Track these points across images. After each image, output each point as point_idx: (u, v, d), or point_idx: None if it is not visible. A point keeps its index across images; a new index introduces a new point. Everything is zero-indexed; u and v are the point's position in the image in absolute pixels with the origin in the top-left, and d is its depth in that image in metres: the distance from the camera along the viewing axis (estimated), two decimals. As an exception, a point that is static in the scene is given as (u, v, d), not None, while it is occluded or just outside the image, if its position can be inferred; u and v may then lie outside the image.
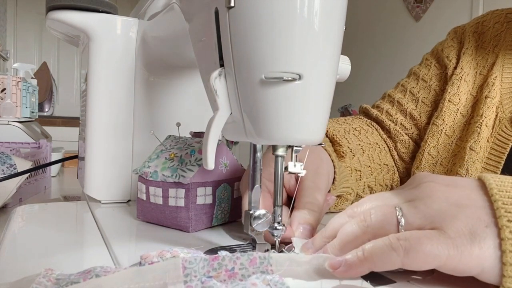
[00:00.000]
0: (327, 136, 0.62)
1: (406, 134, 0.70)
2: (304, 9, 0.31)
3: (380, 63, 3.20)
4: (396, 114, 0.71)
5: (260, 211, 0.38)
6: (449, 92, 0.65)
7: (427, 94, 0.70)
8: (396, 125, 0.71)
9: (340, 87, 0.72)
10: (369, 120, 0.74)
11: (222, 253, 0.30)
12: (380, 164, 0.68)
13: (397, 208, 0.34)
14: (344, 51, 0.39)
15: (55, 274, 0.28)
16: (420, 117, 0.69)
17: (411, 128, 0.70)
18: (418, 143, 0.70)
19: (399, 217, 0.33)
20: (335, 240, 0.35)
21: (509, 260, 0.29)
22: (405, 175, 0.72)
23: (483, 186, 0.34)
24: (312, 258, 0.32)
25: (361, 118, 0.75)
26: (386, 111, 0.72)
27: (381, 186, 0.68)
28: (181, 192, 0.46)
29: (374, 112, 0.73)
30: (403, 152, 0.71)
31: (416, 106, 0.70)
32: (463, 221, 0.31)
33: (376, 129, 0.72)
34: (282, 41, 0.32)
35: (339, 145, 0.61)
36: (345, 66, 0.61)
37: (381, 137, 0.72)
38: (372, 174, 0.66)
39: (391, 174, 0.70)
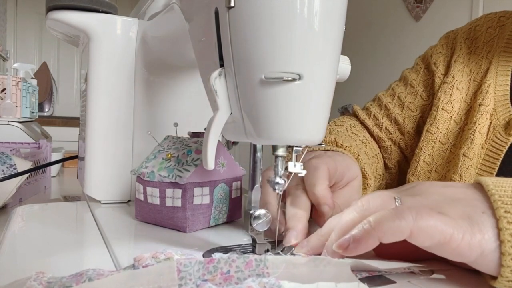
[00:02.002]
0: (333, 142, 0.62)
1: (389, 139, 0.73)
2: (304, 9, 0.31)
3: (380, 63, 3.20)
4: (382, 118, 0.73)
5: (260, 211, 0.38)
6: (442, 101, 0.66)
7: (413, 100, 0.72)
8: (381, 130, 0.73)
9: (340, 87, 0.72)
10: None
11: (217, 255, 0.30)
12: (373, 156, 0.69)
13: (395, 197, 0.34)
14: (344, 51, 0.39)
15: (47, 277, 0.27)
16: (404, 122, 0.71)
17: (395, 132, 0.72)
18: (401, 147, 0.73)
19: (397, 204, 0.34)
20: (333, 233, 0.35)
21: (507, 250, 0.30)
22: (390, 182, 0.74)
23: (478, 186, 0.34)
24: (309, 260, 0.31)
25: (353, 119, 0.77)
26: (374, 115, 0.74)
27: (380, 175, 0.70)
28: (178, 192, 0.46)
29: (362, 116, 0.75)
30: (385, 158, 0.73)
31: (401, 111, 0.72)
32: (459, 208, 0.32)
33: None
34: (282, 41, 0.32)
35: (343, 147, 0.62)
36: (345, 66, 0.61)
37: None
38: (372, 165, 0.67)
39: (381, 163, 0.72)
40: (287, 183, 0.37)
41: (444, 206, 0.32)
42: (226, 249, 0.40)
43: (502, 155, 0.58)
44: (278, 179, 0.37)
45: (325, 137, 0.61)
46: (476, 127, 0.60)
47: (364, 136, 0.70)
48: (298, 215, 0.43)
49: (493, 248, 0.30)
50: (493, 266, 0.30)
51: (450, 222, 0.31)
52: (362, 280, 0.32)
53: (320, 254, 0.35)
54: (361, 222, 0.32)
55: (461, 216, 0.31)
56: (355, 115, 0.77)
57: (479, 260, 0.31)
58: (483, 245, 0.30)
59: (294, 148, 0.36)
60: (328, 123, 0.71)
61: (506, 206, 0.31)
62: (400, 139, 0.72)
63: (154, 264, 0.30)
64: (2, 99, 1.16)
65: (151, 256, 0.32)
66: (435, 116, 0.65)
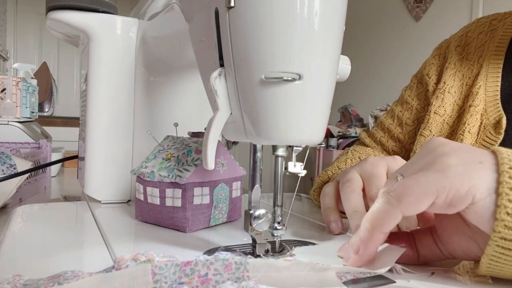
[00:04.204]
0: None
1: None
2: (304, 9, 0.31)
3: (380, 63, 3.20)
4: (387, 142, 0.75)
5: (260, 211, 0.38)
6: (434, 105, 0.67)
7: (410, 115, 0.73)
8: (389, 154, 0.74)
9: (340, 87, 0.72)
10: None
11: (201, 257, 0.29)
12: None
13: (398, 176, 0.34)
14: (344, 51, 0.39)
15: (23, 280, 0.27)
16: (405, 138, 0.74)
17: (401, 151, 0.74)
18: None
19: (399, 180, 0.34)
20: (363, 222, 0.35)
21: (504, 203, 0.29)
22: None
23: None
24: (292, 265, 0.31)
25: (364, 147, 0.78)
26: (380, 141, 0.77)
27: None
28: (178, 192, 0.46)
29: (370, 144, 0.77)
30: None
31: (402, 129, 0.74)
32: (453, 157, 0.32)
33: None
34: (282, 41, 0.32)
35: None
36: (345, 66, 0.61)
37: None
38: None
39: None
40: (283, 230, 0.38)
41: (436, 157, 0.32)
42: (226, 249, 0.40)
43: None
44: (277, 225, 0.38)
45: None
46: (466, 127, 0.61)
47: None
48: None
49: (486, 193, 0.30)
50: (484, 217, 0.30)
51: (434, 178, 0.31)
52: (347, 282, 0.32)
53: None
54: (362, 223, 0.34)
55: (451, 165, 0.31)
56: (363, 144, 0.79)
57: (472, 209, 0.30)
58: (474, 189, 0.30)
59: (294, 148, 0.36)
60: (350, 151, 0.72)
61: (511, 163, 0.30)
62: (408, 156, 0.73)
63: (134, 265, 0.29)
64: (2, 99, 1.16)
65: (131, 257, 0.31)
66: (428, 120, 0.67)
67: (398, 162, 0.49)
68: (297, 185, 0.46)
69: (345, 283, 0.32)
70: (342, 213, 0.47)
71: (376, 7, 3.27)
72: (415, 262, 0.37)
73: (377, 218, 0.33)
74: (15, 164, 0.77)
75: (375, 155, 0.70)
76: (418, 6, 2.91)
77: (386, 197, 0.32)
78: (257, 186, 0.39)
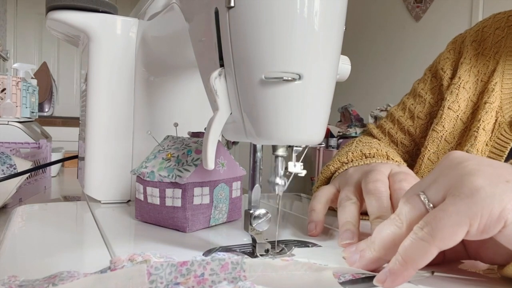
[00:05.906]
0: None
1: (406, 152, 0.72)
2: (304, 9, 0.31)
3: (380, 63, 3.20)
4: (396, 134, 0.74)
5: (260, 211, 0.38)
6: (448, 100, 0.65)
7: (422, 108, 0.72)
8: (397, 146, 0.73)
9: (340, 87, 0.72)
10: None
11: (198, 258, 0.29)
12: None
13: (420, 194, 0.33)
14: (344, 51, 0.39)
15: (19, 281, 0.27)
16: (416, 132, 0.72)
17: (410, 144, 0.73)
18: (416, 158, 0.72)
19: (423, 199, 0.33)
20: (376, 245, 0.34)
21: None
22: None
23: None
24: (289, 264, 0.31)
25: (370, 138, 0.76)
26: (388, 132, 0.74)
27: None
28: (178, 192, 0.46)
29: (378, 135, 0.76)
30: None
31: (413, 122, 0.72)
32: (480, 177, 0.31)
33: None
34: (282, 41, 0.32)
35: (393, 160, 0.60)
36: (345, 66, 0.61)
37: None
38: None
39: None
40: (287, 184, 0.37)
41: (462, 178, 0.31)
42: (226, 249, 0.40)
43: (507, 152, 0.58)
44: (278, 180, 0.37)
45: (376, 151, 0.58)
46: (480, 124, 0.60)
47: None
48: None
49: None
50: None
51: (464, 205, 0.30)
52: (345, 283, 0.32)
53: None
54: (395, 255, 0.32)
55: (479, 187, 0.30)
56: (370, 135, 0.78)
57: (504, 231, 0.30)
58: (506, 212, 0.29)
59: (294, 148, 0.36)
60: (355, 142, 0.71)
61: None
62: (417, 149, 0.72)
63: (130, 266, 0.29)
64: (2, 99, 1.16)
65: (127, 258, 0.31)
66: (441, 115, 0.65)
67: (402, 167, 0.49)
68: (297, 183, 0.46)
69: (342, 283, 0.32)
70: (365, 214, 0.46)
71: (376, 7, 3.27)
72: (439, 263, 0.37)
73: (411, 254, 0.31)
74: (15, 164, 0.77)
75: (380, 146, 0.68)
76: (418, 6, 2.91)
77: (419, 233, 0.31)
78: (257, 186, 0.39)
